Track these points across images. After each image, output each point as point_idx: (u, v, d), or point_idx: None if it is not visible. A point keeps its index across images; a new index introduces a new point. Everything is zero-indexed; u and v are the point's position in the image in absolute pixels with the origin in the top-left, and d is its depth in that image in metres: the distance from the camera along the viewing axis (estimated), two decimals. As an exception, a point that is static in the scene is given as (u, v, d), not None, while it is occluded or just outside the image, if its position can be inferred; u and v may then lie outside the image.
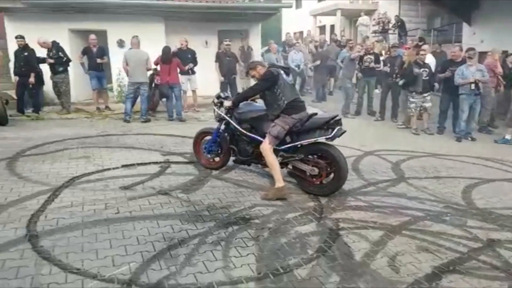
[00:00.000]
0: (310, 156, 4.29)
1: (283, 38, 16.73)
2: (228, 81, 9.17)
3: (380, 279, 2.77)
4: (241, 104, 4.62)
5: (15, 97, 8.70)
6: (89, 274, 2.63)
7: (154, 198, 4.06)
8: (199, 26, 11.07)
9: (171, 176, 4.79)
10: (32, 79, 8.32)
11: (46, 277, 2.57)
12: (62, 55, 8.62)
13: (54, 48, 8.58)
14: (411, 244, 3.30)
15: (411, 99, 8.19)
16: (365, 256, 3.06)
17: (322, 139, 4.18)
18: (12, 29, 9.48)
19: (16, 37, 8.36)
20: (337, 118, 4.17)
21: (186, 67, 8.89)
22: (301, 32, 18.10)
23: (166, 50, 8.47)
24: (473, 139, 7.73)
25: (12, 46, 8.86)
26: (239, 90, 9.92)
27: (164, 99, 8.90)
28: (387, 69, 9.28)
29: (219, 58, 9.52)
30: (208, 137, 5.04)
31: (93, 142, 6.40)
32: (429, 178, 5.23)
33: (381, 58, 10.20)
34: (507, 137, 7.59)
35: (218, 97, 4.90)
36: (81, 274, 2.63)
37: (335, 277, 2.77)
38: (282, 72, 4.29)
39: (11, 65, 8.90)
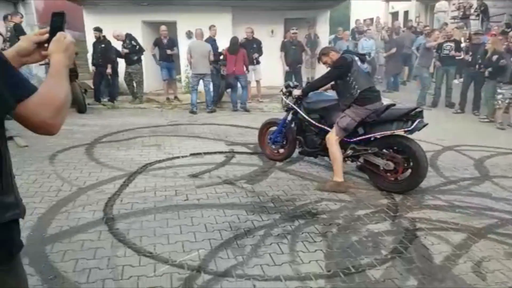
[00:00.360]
0: (385, 150, 4.01)
1: (352, 26, 16.09)
2: (293, 71, 8.96)
3: (464, 286, 2.49)
4: (310, 93, 4.45)
5: (92, 86, 9.31)
6: (160, 258, 2.69)
7: (220, 187, 4.08)
8: (265, 15, 10.98)
9: (236, 166, 4.80)
10: (109, 70, 8.84)
11: (121, 259, 2.67)
12: (135, 44, 9.01)
13: (128, 38, 8.98)
14: (499, 250, 2.94)
15: (499, 90, 7.40)
16: (446, 259, 2.78)
17: (400, 132, 3.87)
18: (90, 21, 10.05)
19: (94, 29, 8.91)
20: (418, 109, 3.84)
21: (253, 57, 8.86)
22: (371, 19, 17.24)
23: (233, 41, 8.51)
24: None
25: (90, 39, 9.45)
26: (304, 80, 9.72)
27: (229, 90, 8.99)
28: (468, 57, 8.47)
29: (284, 47, 9.34)
30: (274, 128, 4.95)
31: (163, 131, 6.65)
32: (519, 177, 4.67)
33: (462, 45, 9.34)
34: None
35: (287, 86, 4.78)
36: (153, 258, 2.70)
37: (412, 280, 2.54)
38: (356, 59, 4.04)
39: (89, 56, 9.53)
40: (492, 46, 7.74)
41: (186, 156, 5.18)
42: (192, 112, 8.29)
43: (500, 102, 7.43)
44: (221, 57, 8.72)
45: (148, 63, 9.85)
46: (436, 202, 3.85)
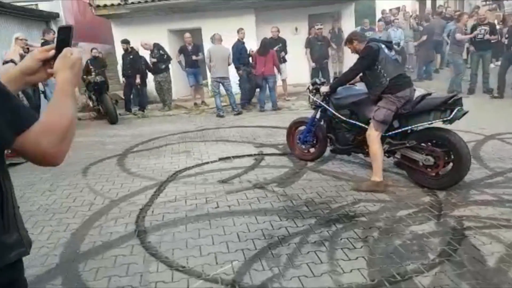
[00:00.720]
0: (423, 144, 3.76)
1: (377, 17, 15.59)
2: (319, 67, 8.76)
3: (525, 292, 2.25)
4: (338, 89, 4.27)
5: (123, 97, 9.49)
6: (194, 273, 2.59)
7: (251, 192, 3.97)
8: (288, 13, 10.81)
9: (266, 169, 4.67)
10: (138, 80, 8.98)
11: (153, 275, 2.60)
12: (163, 53, 9.15)
13: (156, 47, 9.13)
14: (561, 248, 2.66)
15: None
16: (500, 261, 2.53)
17: (438, 122, 3.63)
18: (118, 34, 10.29)
19: (122, 42, 9.07)
20: (456, 97, 3.56)
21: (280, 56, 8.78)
22: (398, 8, 16.66)
23: (264, 42, 8.53)
24: None
25: (119, 50, 9.64)
26: (331, 75, 9.48)
27: (257, 90, 8.93)
28: (505, 40, 7.97)
29: (310, 43, 9.15)
30: (302, 127, 4.79)
31: (192, 137, 6.65)
32: None
33: (497, 28, 8.82)
34: None
35: (314, 83, 4.61)
36: (186, 272, 2.61)
37: (465, 286, 2.32)
38: (383, 46, 3.83)
39: (119, 67, 9.71)
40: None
41: (215, 161, 5.12)
42: (219, 115, 8.26)
43: None
44: (250, 58, 8.67)
45: (175, 71, 9.94)
46: (483, 197, 3.57)
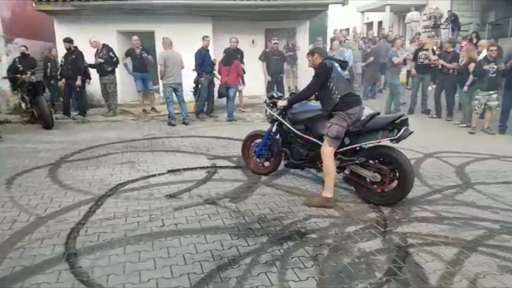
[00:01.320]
0: (371, 161, 3.90)
1: (329, 36, 16.20)
2: (275, 81, 8.88)
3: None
4: (294, 104, 4.32)
5: (61, 99, 8.93)
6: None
7: (201, 208, 3.84)
8: (246, 25, 10.88)
9: (219, 183, 4.57)
10: (78, 82, 8.51)
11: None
12: (112, 55, 8.80)
13: (105, 48, 8.76)
14: (492, 264, 2.84)
15: (476, 96, 7.56)
16: (442, 279, 2.65)
17: (386, 141, 3.77)
18: (61, 32, 9.62)
19: (64, 40, 8.55)
20: (404, 117, 3.75)
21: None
22: (347, 29, 17.50)
23: (228, 52, 8.58)
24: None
25: (62, 49, 9.01)
26: (286, 89, 9.65)
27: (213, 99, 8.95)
28: (441, 63, 8.60)
29: (267, 57, 9.26)
30: (258, 140, 4.78)
31: (138, 146, 6.34)
32: (498, 183, 4.66)
33: (436, 53, 9.52)
34: None
35: (271, 97, 4.63)
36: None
37: (410, 306, 2.39)
38: (336, 65, 3.96)
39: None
40: (467, 54, 7.89)
41: (163, 174, 4.89)
42: (171, 124, 8.03)
43: (476, 107, 7.56)
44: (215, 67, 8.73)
45: (122, 74, 9.55)
46: (424, 213, 3.76)
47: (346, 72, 4.14)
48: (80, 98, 8.94)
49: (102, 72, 8.79)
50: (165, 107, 8.28)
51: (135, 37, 9.08)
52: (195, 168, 5.11)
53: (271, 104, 4.59)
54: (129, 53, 9.11)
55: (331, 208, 3.81)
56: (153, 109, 9.44)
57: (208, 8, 9.81)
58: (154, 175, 4.82)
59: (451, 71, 8.26)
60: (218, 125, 8.20)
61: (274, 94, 4.68)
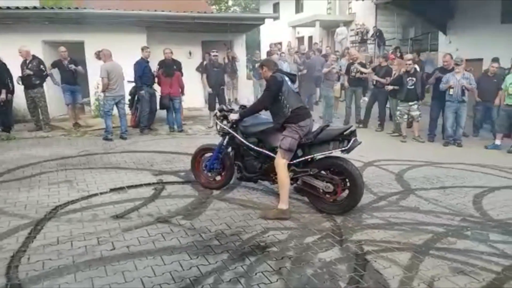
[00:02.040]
0: (323, 172, 3.98)
1: (262, 49, 16.56)
2: (216, 93, 8.80)
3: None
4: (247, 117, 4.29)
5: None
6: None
7: (153, 227, 3.61)
8: (182, 37, 10.70)
9: (168, 200, 4.36)
10: (3, 96, 7.72)
11: None
12: (43, 68, 8.18)
13: (35, 60, 8.12)
14: (444, 266, 3.01)
15: (398, 107, 8.20)
16: (402, 284, 2.75)
17: (337, 152, 3.88)
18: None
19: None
20: (352, 129, 3.89)
21: None
22: (279, 43, 18.12)
23: (168, 63, 8.35)
24: (459, 145, 7.70)
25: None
26: (227, 102, 9.63)
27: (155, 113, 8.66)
28: (377, 78, 9.15)
29: (206, 69, 9.17)
30: (209, 154, 4.65)
31: (74, 163, 5.88)
32: (436, 188, 5.02)
33: (368, 67, 10.13)
34: (497, 142, 7.60)
35: (221, 110, 4.55)
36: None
37: (376, 313, 2.44)
38: (286, 78, 4.01)
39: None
40: (399, 67, 8.52)
41: (105, 193, 4.56)
42: (107, 139, 7.56)
43: (398, 117, 8.18)
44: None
45: (50, 86, 8.84)
46: (374, 220, 3.91)
47: (295, 85, 4.21)
48: (4, 113, 8.10)
49: (29, 85, 8.09)
50: (98, 121, 7.79)
51: (62, 48, 8.52)
52: (141, 185, 4.84)
53: (221, 117, 4.51)
54: (56, 64, 8.51)
55: (287, 220, 3.81)
56: (76, 123, 8.82)
57: (141, 18, 9.53)
58: (96, 195, 4.49)
59: (386, 86, 8.71)
60: (159, 139, 7.91)
61: (225, 107, 4.63)
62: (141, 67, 8.05)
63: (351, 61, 9.83)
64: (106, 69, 7.47)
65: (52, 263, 2.93)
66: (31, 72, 7.99)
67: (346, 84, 9.81)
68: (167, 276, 2.77)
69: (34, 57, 8.18)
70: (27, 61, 8.07)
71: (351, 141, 3.81)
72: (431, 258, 3.13)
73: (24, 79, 8.07)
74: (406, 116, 8.12)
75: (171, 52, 8.58)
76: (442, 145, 7.79)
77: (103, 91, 7.56)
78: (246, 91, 11.92)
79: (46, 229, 3.55)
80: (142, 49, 8.23)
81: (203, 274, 2.81)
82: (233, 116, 4.24)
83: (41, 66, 8.16)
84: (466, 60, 8.81)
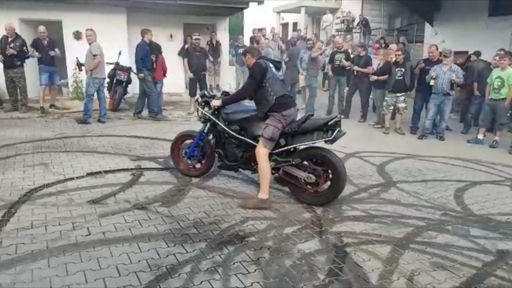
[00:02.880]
0: (306, 162, 3.93)
1: (246, 35, 16.30)
2: (197, 78, 8.60)
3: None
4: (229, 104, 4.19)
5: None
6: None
7: (130, 214, 3.52)
8: (163, 19, 10.41)
9: (146, 186, 4.26)
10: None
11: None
12: (25, 50, 7.90)
13: (18, 40, 7.82)
14: (424, 261, 3.02)
15: (385, 98, 8.15)
16: (381, 278, 2.75)
17: (321, 142, 3.82)
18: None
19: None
20: (337, 119, 3.82)
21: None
22: (261, 29, 17.90)
23: (153, 45, 8.03)
24: (441, 139, 7.75)
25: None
26: (208, 87, 9.45)
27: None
28: (358, 68, 9.06)
29: (188, 53, 8.92)
30: (189, 141, 4.54)
31: (50, 146, 5.70)
32: (417, 181, 5.05)
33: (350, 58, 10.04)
34: (479, 137, 7.68)
35: (203, 95, 4.42)
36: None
37: (354, 305, 2.43)
38: (271, 65, 3.92)
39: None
40: (384, 57, 8.45)
41: (82, 177, 4.43)
42: (84, 122, 7.33)
43: (384, 108, 8.16)
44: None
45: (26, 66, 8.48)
46: (355, 212, 3.90)
47: (280, 73, 4.13)
48: None
49: (10, 65, 7.81)
50: (75, 103, 7.51)
51: (41, 28, 8.17)
52: (118, 170, 4.72)
53: (203, 104, 4.40)
54: (35, 44, 8.14)
55: (267, 210, 3.77)
56: (52, 105, 8.52)
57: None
58: (72, 179, 4.36)
59: (371, 76, 8.60)
60: (138, 123, 7.72)
61: (206, 93, 4.49)
62: (144, 50, 7.77)
63: (335, 49, 9.72)
64: (99, 47, 7.19)
65: (26, 248, 2.85)
66: (15, 52, 7.71)
67: (330, 73, 9.71)
68: (143, 264, 2.70)
69: (17, 36, 7.89)
70: (9, 39, 7.72)
71: (335, 132, 3.76)
72: (411, 252, 3.13)
73: (5, 58, 7.75)
74: (392, 108, 8.11)
75: (151, 35, 8.34)
76: (417, 137, 7.78)
77: (91, 70, 7.24)
78: (228, 76, 11.75)
79: (21, 212, 3.45)
80: (146, 32, 7.85)
81: (180, 263, 2.75)
82: (216, 103, 4.13)
83: (24, 47, 7.88)
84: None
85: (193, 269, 2.68)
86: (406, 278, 2.76)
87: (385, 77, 8.13)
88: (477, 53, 8.99)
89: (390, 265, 2.91)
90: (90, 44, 7.24)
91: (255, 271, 2.71)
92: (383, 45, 11.12)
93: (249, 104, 4.21)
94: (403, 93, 7.97)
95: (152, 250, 2.89)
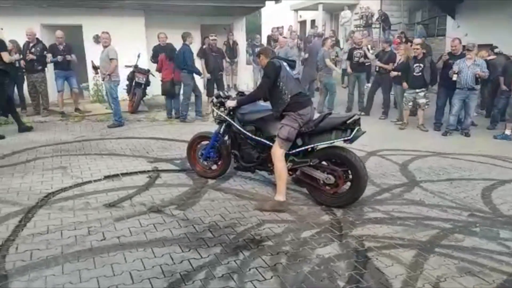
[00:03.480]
0: (324, 162, 3.80)
1: (263, 33, 16.23)
2: (215, 78, 8.57)
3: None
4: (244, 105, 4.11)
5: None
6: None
7: (146, 217, 3.49)
8: (180, 20, 10.42)
9: (162, 188, 4.23)
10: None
11: None
12: (46, 54, 8.04)
13: (39, 45, 7.99)
14: (450, 266, 2.86)
15: (404, 94, 7.92)
16: (405, 285, 2.60)
17: (339, 141, 3.69)
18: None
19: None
20: (356, 117, 3.67)
21: None
22: (279, 28, 17.72)
23: (172, 47, 8.08)
24: (466, 135, 7.44)
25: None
26: (225, 87, 9.41)
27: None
28: (380, 64, 8.85)
29: (205, 54, 8.91)
30: (205, 142, 4.49)
31: (69, 149, 5.77)
32: (442, 181, 4.83)
33: (371, 52, 9.80)
34: (507, 132, 7.33)
35: (218, 96, 4.36)
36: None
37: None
38: (285, 64, 3.83)
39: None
40: (406, 53, 8.19)
41: (99, 180, 4.45)
42: (121, 125, 7.40)
43: (404, 104, 7.92)
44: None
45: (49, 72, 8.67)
46: (376, 214, 3.75)
47: (295, 71, 4.02)
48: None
49: (31, 70, 7.98)
50: (96, 106, 7.58)
51: (59, 33, 8.28)
52: (135, 173, 4.72)
53: (218, 104, 4.33)
54: (51, 49, 8.26)
55: (284, 212, 3.66)
56: (77, 109, 8.62)
57: (139, 1, 9.27)
58: (89, 182, 4.38)
59: (391, 72, 8.39)
60: (156, 125, 7.73)
61: (221, 94, 4.42)
62: (191, 53, 7.79)
63: (354, 45, 9.51)
64: (115, 50, 7.26)
65: (40, 254, 2.84)
66: (34, 57, 7.88)
67: (349, 69, 9.50)
68: (157, 270, 2.65)
69: (38, 41, 8.06)
70: (30, 44, 7.90)
71: (355, 131, 3.61)
72: (436, 257, 2.97)
73: (26, 63, 7.92)
74: (411, 103, 7.86)
75: (166, 37, 8.35)
76: (441, 134, 7.50)
77: (109, 74, 7.28)
78: (246, 76, 11.68)
79: (37, 217, 3.47)
80: (188, 36, 7.83)
81: (195, 269, 2.68)
82: (230, 103, 4.06)
83: (45, 52, 8.03)
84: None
85: (207, 275, 2.61)
86: (432, 285, 2.60)
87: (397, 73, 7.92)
88: (492, 48, 8.57)
89: (415, 271, 2.76)
90: (105, 47, 7.31)
91: (271, 278, 2.61)
92: (403, 40, 10.81)
93: (265, 104, 4.11)
94: (422, 89, 7.71)
95: (166, 256, 2.83)
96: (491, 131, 7.80)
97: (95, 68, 7.92)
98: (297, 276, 2.65)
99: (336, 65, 9.92)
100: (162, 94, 8.41)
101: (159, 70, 8.31)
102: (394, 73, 8.12)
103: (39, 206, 3.69)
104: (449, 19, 13.61)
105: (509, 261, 2.94)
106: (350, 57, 9.31)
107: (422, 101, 7.75)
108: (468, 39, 9.73)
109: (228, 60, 10.41)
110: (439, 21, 15.05)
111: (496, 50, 8.54)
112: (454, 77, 7.21)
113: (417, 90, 7.68)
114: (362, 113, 9.01)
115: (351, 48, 9.52)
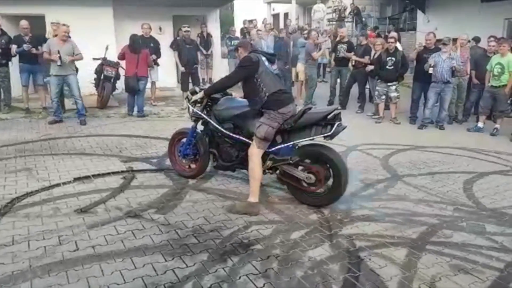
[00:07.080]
0: (306, 160, 3.65)
1: (236, 26, 15.94)
2: (189, 72, 8.27)
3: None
4: (221, 100, 3.90)
5: None
6: None
7: (123, 223, 3.23)
8: (152, 11, 10.03)
9: (139, 190, 3.96)
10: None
11: None
12: (11, 47, 7.40)
13: (4, 37, 7.39)
14: (443, 264, 2.79)
15: (376, 87, 8.00)
16: (401, 286, 2.51)
17: (319, 138, 3.53)
18: None
19: None
20: (336, 112, 3.50)
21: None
22: (252, 20, 17.46)
23: (135, 38, 7.62)
24: (441, 128, 7.55)
25: None
26: (201, 81, 9.13)
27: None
28: (356, 58, 8.83)
29: (178, 46, 8.58)
30: (185, 139, 4.24)
31: (34, 149, 5.36)
32: (423, 174, 4.82)
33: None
34: (480, 125, 7.49)
35: (193, 92, 4.10)
36: None
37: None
38: (263, 58, 3.61)
39: None
40: (383, 46, 8.20)
41: (68, 182, 4.13)
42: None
43: (377, 98, 7.99)
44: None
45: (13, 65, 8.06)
46: (364, 211, 3.66)
47: (275, 67, 3.83)
48: None
49: None
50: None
51: (23, 23, 7.64)
52: (108, 174, 4.41)
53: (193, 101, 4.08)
54: (16, 40, 7.61)
55: (256, 214, 3.46)
56: (44, 108, 7.99)
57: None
58: (58, 185, 4.05)
59: (367, 66, 8.40)
60: (128, 121, 7.36)
61: (196, 89, 4.16)
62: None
63: (338, 39, 9.45)
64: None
65: (5, 268, 2.56)
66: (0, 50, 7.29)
67: (332, 63, 9.45)
68: (138, 283, 2.43)
69: (3, 32, 7.45)
70: None
71: (335, 126, 3.45)
72: (428, 255, 2.90)
73: None
74: (383, 97, 7.90)
75: (150, 28, 7.98)
76: (417, 127, 7.56)
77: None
78: (221, 70, 11.41)
79: (1, 226, 3.15)
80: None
81: (180, 280, 2.47)
82: (197, 96, 3.84)
83: (9, 44, 7.42)
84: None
85: (194, 286, 2.41)
86: (428, 285, 2.52)
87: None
88: (476, 39, 8.74)
89: (409, 271, 2.68)
90: (63, 41, 6.83)
91: (263, 285, 2.45)
92: (376, 35, 10.89)
93: (243, 100, 3.90)
94: (394, 83, 7.77)
95: (148, 266, 2.61)
96: (463, 124, 7.96)
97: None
98: (290, 282, 2.50)
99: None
100: (126, 91, 7.88)
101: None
102: (370, 67, 8.13)
103: (2, 213, 3.35)
104: (419, 13, 13.83)
105: (498, 256, 2.92)
106: (334, 50, 9.26)
107: (393, 94, 7.83)
108: (438, 33, 9.88)
109: (204, 52, 10.11)
110: (410, 16, 15.30)
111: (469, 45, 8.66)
112: (430, 70, 7.29)
113: (389, 84, 7.74)
114: (339, 107, 8.97)
115: (336, 42, 9.46)
